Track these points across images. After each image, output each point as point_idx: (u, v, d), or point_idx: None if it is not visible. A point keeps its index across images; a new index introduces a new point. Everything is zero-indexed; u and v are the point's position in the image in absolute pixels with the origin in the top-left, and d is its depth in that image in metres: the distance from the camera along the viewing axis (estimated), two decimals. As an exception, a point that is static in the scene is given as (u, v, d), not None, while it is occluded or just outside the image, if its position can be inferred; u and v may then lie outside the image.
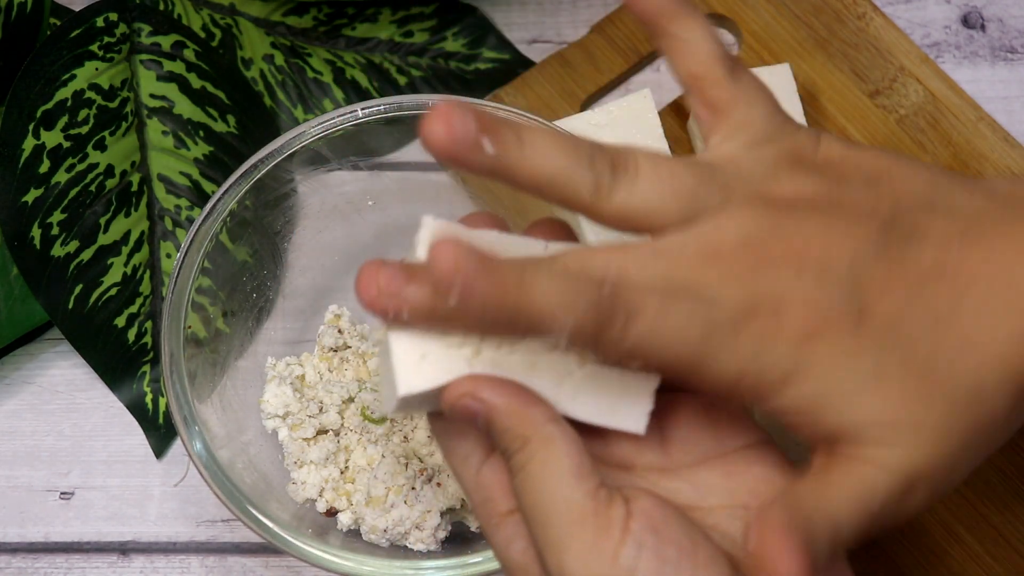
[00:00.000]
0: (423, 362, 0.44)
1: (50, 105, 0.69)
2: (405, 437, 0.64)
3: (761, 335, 0.42)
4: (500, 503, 0.46)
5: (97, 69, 0.70)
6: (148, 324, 0.70)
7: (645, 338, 0.41)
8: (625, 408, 0.44)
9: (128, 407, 0.69)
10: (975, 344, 0.42)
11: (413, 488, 0.61)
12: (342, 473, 0.63)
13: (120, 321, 0.69)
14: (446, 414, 0.44)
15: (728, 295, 0.42)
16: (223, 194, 0.62)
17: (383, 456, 0.63)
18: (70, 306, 0.68)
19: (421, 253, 0.43)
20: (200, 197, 0.71)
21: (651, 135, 0.67)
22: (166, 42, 0.72)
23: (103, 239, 0.69)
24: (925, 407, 0.42)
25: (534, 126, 0.45)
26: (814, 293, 0.42)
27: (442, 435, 0.47)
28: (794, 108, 0.69)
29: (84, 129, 0.69)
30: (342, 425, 0.64)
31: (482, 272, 0.40)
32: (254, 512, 0.58)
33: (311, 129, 0.63)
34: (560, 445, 0.43)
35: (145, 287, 0.70)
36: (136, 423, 0.69)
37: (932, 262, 0.43)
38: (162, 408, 0.69)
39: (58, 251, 0.68)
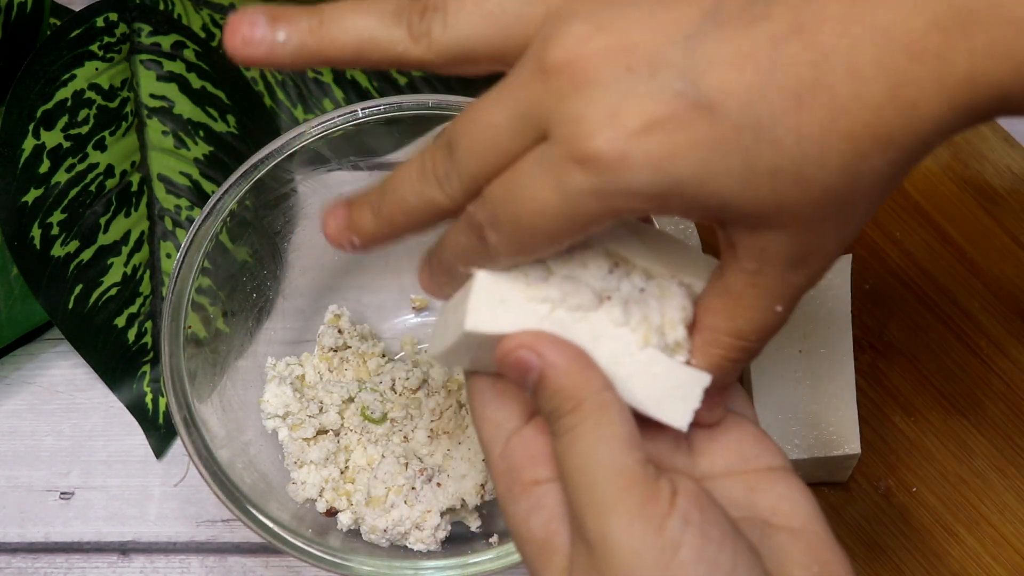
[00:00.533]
0: (500, 305, 0.43)
1: (50, 105, 0.69)
2: (405, 437, 0.64)
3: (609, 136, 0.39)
4: (526, 472, 0.44)
5: (97, 69, 0.70)
6: (148, 324, 0.70)
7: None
8: (673, 402, 0.44)
9: (128, 407, 0.69)
10: (846, 113, 0.39)
11: (413, 488, 0.61)
12: (342, 473, 0.63)
13: (120, 321, 0.69)
14: (499, 365, 0.43)
15: (561, 111, 0.40)
16: (223, 194, 0.62)
17: (383, 456, 0.63)
18: (70, 306, 0.68)
19: None
20: (200, 197, 0.71)
21: None
22: (166, 42, 0.72)
23: (103, 239, 0.69)
24: (800, 197, 0.39)
25: (336, 3, 0.44)
26: (650, 87, 0.39)
27: (478, 397, 0.46)
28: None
29: (84, 129, 0.69)
30: (342, 425, 0.64)
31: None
32: (254, 512, 0.58)
33: (311, 129, 0.63)
34: (614, 411, 0.43)
35: (145, 287, 0.70)
36: (136, 423, 0.69)
37: (786, 23, 0.39)
38: (162, 408, 0.69)
39: (58, 251, 0.68)
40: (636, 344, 0.44)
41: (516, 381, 0.44)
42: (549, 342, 0.43)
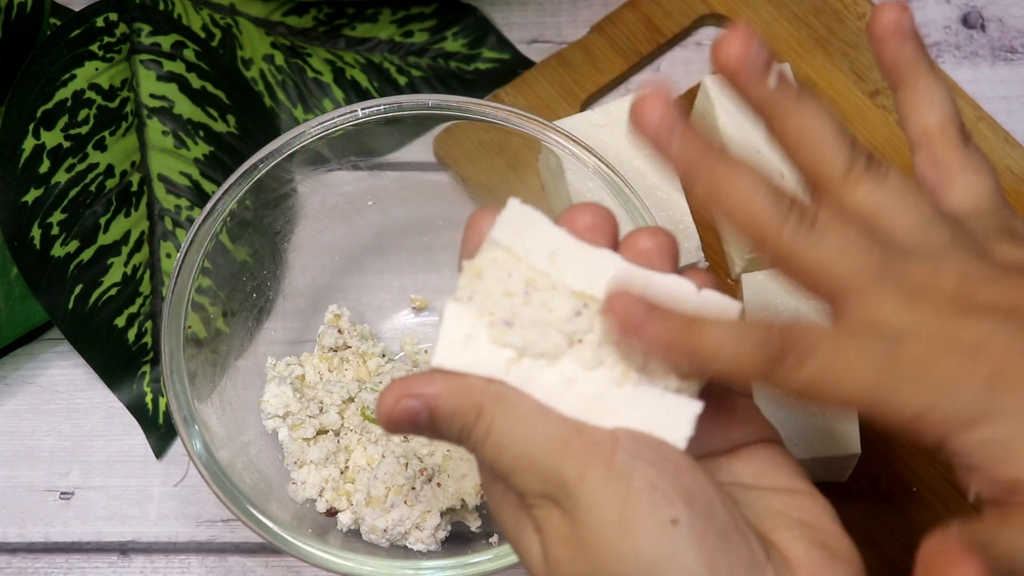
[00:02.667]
0: (467, 343, 0.43)
1: (50, 105, 0.69)
2: (405, 437, 0.64)
3: (955, 373, 0.42)
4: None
5: (97, 69, 0.70)
6: (148, 324, 0.70)
7: (819, 375, 0.42)
8: (662, 432, 0.43)
9: (128, 407, 0.69)
10: None
11: (413, 488, 0.61)
12: (342, 473, 0.63)
13: (120, 321, 0.69)
14: (388, 429, 0.44)
15: (928, 330, 0.42)
16: (223, 194, 0.62)
17: (383, 456, 0.63)
18: (70, 306, 0.68)
19: (496, 232, 0.44)
20: (200, 197, 0.71)
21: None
22: (166, 42, 0.72)
23: (103, 239, 0.69)
24: None
25: (806, 95, 0.46)
26: (1017, 341, 0.42)
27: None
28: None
29: (84, 129, 0.69)
30: (342, 425, 0.64)
31: (652, 320, 0.42)
32: (254, 512, 0.58)
33: (311, 129, 0.63)
34: (512, 394, 0.43)
35: (145, 287, 0.70)
36: (136, 423, 0.69)
37: None
38: (162, 408, 0.69)
39: (58, 251, 0.68)
40: (613, 383, 0.43)
41: (413, 432, 0.44)
42: (416, 380, 0.43)
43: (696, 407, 0.43)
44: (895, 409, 0.42)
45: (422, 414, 0.43)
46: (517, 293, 0.44)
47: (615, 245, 0.46)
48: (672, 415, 0.43)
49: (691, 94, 0.73)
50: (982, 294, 0.43)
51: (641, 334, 0.42)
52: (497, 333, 0.43)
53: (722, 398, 0.46)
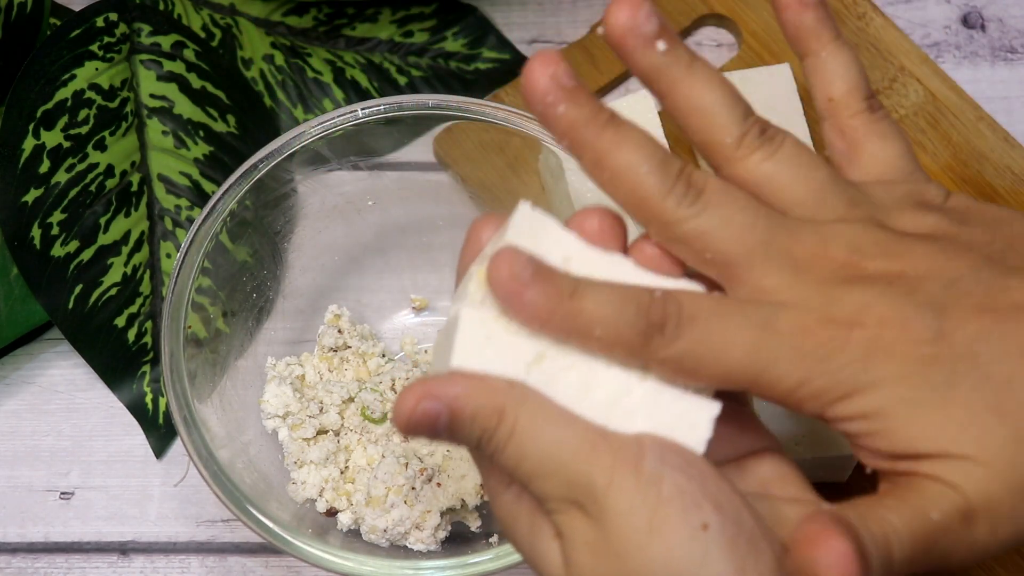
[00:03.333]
0: (486, 344, 0.42)
1: (50, 105, 0.69)
2: (405, 437, 0.64)
3: (831, 344, 0.41)
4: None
5: (97, 69, 0.70)
6: (148, 324, 0.70)
7: (696, 346, 0.41)
8: (682, 434, 0.43)
9: (128, 407, 0.69)
10: None
11: (413, 488, 0.61)
12: (342, 473, 0.63)
13: (120, 321, 0.69)
14: (405, 431, 0.42)
15: (808, 301, 0.42)
16: (223, 194, 0.62)
17: (383, 456, 0.63)
18: (70, 306, 0.68)
19: (511, 235, 0.43)
20: (200, 197, 0.71)
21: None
22: (166, 42, 0.72)
23: (103, 239, 0.69)
24: (993, 435, 0.41)
25: (699, 63, 0.45)
26: (895, 310, 0.42)
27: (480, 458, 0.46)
28: (794, 108, 0.69)
29: (84, 129, 0.69)
30: (342, 425, 0.64)
31: (533, 282, 0.41)
32: (254, 512, 0.58)
33: (311, 129, 0.63)
34: (535, 397, 0.42)
35: (145, 287, 0.70)
36: (136, 423, 0.69)
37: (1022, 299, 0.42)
38: (162, 408, 0.69)
39: (58, 251, 0.68)
40: (636, 380, 0.43)
41: (430, 436, 0.42)
42: (438, 382, 0.42)
43: (714, 408, 0.43)
44: (771, 382, 0.42)
45: (442, 417, 0.42)
46: None
47: (624, 249, 0.45)
48: (691, 417, 0.43)
49: (691, 94, 0.73)
50: (870, 264, 0.43)
51: (520, 301, 0.41)
52: (518, 333, 0.42)
53: (725, 406, 0.46)
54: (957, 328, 0.42)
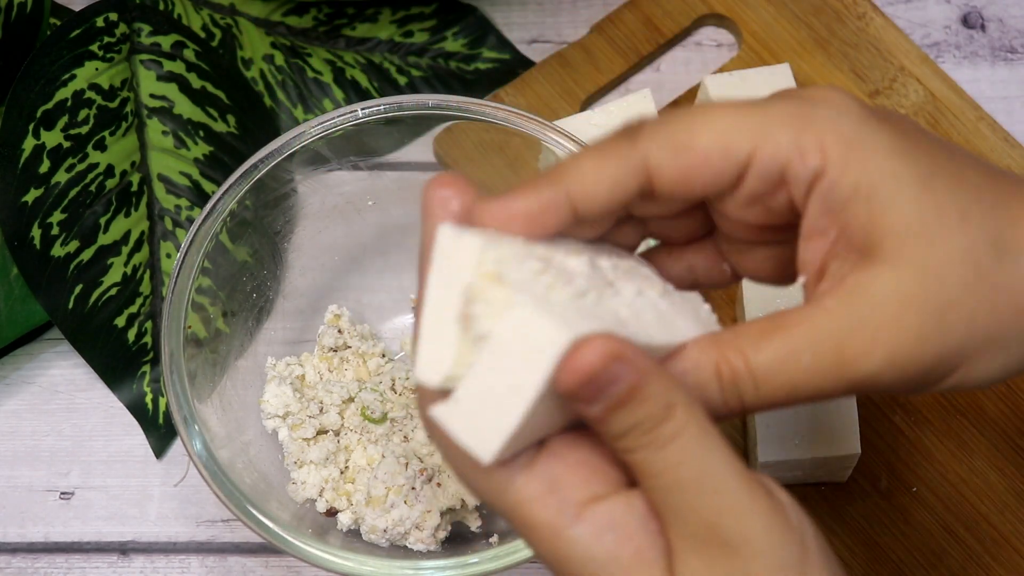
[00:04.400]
0: (565, 312, 0.39)
1: (50, 105, 0.69)
2: (405, 437, 0.64)
3: (806, 116, 0.42)
4: (577, 491, 0.41)
5: (97, 69, 0.70)
6: (148, 324, 0.70)
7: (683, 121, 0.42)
8: (701, 318, 0.45)
9: (128, 407, 0.69)
10: None
11: (413, 488, 0.61)
12: (342, 473, 0.63)
13: (120, 321, 0.69)
14: (570, 384, 0.38)
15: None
16: (223, 194, 0.62)
17: (383, 456, 0.63)
18: (70, 306, 0.68)
19: (437, 264, 0.41)
20: (200, 197, 0.71)
21: None
22: (166, 42, 0.72)
23: (103, 239, 0.69)
24: (948, 238, 0.40)
25: None
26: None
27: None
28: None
29: (84, 129, 0.69)
30: (342, 425, 0.64)
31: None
32: (254, 512, 0.58)
33: (311, 129, 0.63)
34: (702, 411, 0.40)
35: (145, 287, 0.70)
36: (136, 423, 0.69)
37: None
38: (162, 408, 0.69)
39: (58, 251, 0.68)
40: (657, 295, 0.44)
41: (588, 399, 0.38)
42: (630, 347, 0.38)
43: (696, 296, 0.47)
44: (769, 151, 0.41)
45: (621, 386, 0.38)
46: (543, 267, 0.40)
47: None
48: (693, 306, 0.46)
49: (691, 94, 0.73)
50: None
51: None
52: (570, 289, 0.40)
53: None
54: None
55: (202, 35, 0.74)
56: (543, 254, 0.41)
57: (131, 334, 0.69)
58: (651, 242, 0.48)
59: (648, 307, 0.43)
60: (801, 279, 0.43)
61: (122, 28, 0.71)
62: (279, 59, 0.75)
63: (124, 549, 0.67)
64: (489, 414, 0.38)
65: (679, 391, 0.40)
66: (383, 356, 0.67)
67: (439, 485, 0.61)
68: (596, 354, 0.38)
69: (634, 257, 0.47)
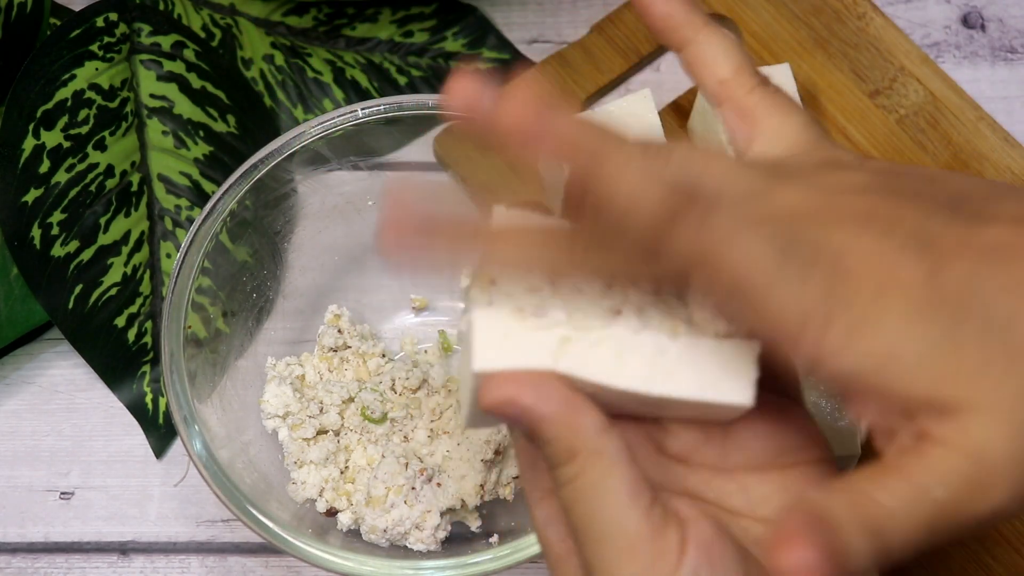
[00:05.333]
0: (505, 340, 0.41)
1: (50, 105, 0.69)
2: (405, 437, 0.64)
3: (829, 282, 0.38)
4: (545, 479, 0.43)
5: (97, 69, 0.70)
6: (148, 324, 0.70)
7: (719, 242, 0.39)
8: (728, 380, 0.41)
9: (128, 407, 0.69)
10: None
11: (413, 488, 0.61)
12: (342, 473, 0.63)
13: (120, 321, 0.69)
14: (484, 407, 0.41)
15: (804, 236, 0.39)
16: (223, 194, 0.62)
17: (383, 456, 0.63)
18: (70, 306, 0.68)
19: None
20: (200, 197, 0.71)
21: (651, 135, 0.67)
22: (166, 42, 0.72)
23: (103, 239, 0.69)
24: (1008, 377, 0.37)
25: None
26: (880, 246, 0.38)
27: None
28: (794, 108, 0.69)
29: (84, 129, 0.69)
30: (342, 425, 0.64)
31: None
32: (254, 512, 0.58)
33: (311, 129, 0.63)
34: (611, 460, 0.41)
35: (145, 287, 0.70)
36: (136, 423, 0.69)
37: (1003, 239, 0.39)
38: (162, 408, 0.69)
39: (58, 251, 0.68)
40: (667, 338, 0.42)
41: (509, 423, 0.43)
42: (531, 388, 0.41)
43: (755, 348, 0.41)
44: (776, 311, 0.38)
45: (522, 424, 0.41)
46: (542, 287, 0.42)
47: None
48: (734, 361, 0.42)
49: (691, 94, 0.73)
50: (828, 210, 0.39)
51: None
52: (537, 319, 0.42)
53: (773, 404, 0.44)
54: (947, 265, 0.38)
55: (202, 35, 0.74)
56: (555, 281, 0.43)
57: (131, 334, 0.69)
58: None
59: (647, 353, 0.42)
60: (863, 423, 0.40)
61: (122, 28, 0.71)
62: (279, 59, 0.75)
63: (124, 549, 0.67)
64: (464, 394, 0.44)
65: (587, 440, 0.41)
66: (383, 356, 0.67)
67: (439, 485, 0.61)
68: (492, 396, 0.41)
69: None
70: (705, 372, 0.42)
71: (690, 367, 0.42)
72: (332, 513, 0.62)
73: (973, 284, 0.38)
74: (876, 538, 0.38)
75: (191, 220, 0.70)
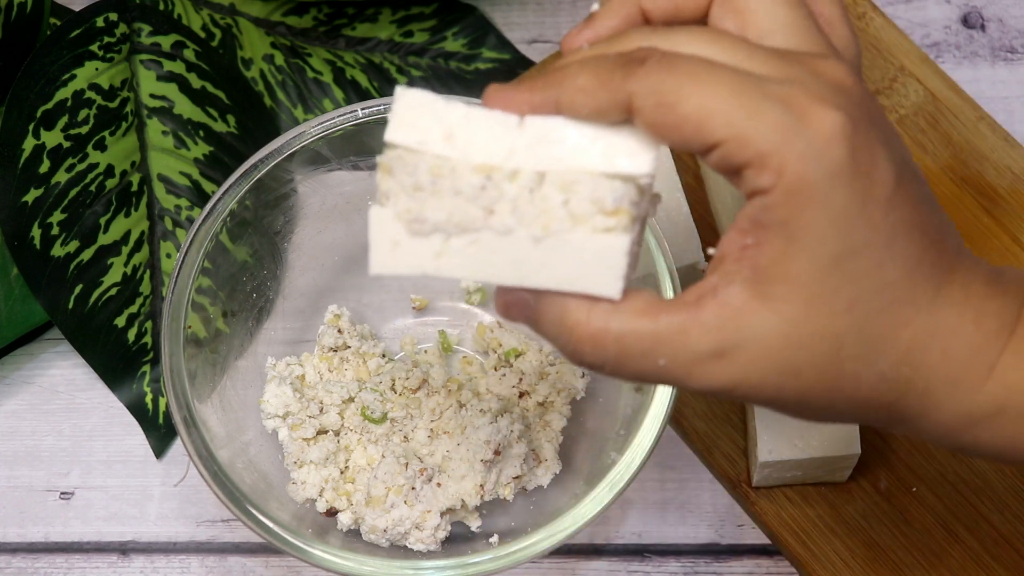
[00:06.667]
0: (395, 247, 0.46)
1: (50, 105, 0.69)
2: (405, 437, 0.64)
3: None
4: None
5: (97, 69, 0.70)
6: (148, 324, 0.70)
7: (678, 76, 0.42)
8: (598, 272, 0.44)
9: (128, 407, 0.69)
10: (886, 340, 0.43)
11: (413, 488, 0.61)
12: (342, 473, 0.63)
13: (120, 321, 0.69)
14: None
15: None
16: (223, 194, 0.62)
17: (383, 456, 0.63)
18: (70, 306, 0.68)
19: (390, 135, 0.45)
20: (200, 197, 0.71)
21: None
22: (166, 42, 0.72)
23: (103, 239, 0.69)
24: (844, 309, 0.42)
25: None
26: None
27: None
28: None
29: (84, 129, 0.69)
30: (342, 425, 0.64)
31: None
32: (254, 512, 0.58)
33: (311, 129, 0.63)
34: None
35: (145, 287, 0.70)
36: (136, 423, 0.69)
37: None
38: (162, 408, 0.69)
39: (58, 251, 0.68)
40: (536, 237, 0.43)
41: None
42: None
43: (623, 242, 0.43)
44: (735, 147, 0.41)
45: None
46: (424, 186, 0.44)
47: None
48: (603, 256, 0.43)
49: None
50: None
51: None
52: (415, 230, 0.45)
53: None
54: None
55: (202, 35, 0.74)
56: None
57: (131, 334, 0.69)
58: None
59: (520, 248, 0.44)
60: (711, 251, 0.44)
61: (122, 28, 0.71)
62: (279, 59, 0.75)
63: (124, 549, 0.67)
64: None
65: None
66: (383, 356, 0.67)
67: (439, 485, 0.61)
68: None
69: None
70: (574, 266, 0.43)
71: (560, 261, 0.44)
72: (332, 513, 0.62)
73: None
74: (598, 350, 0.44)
75: (191, 220, 0.70)
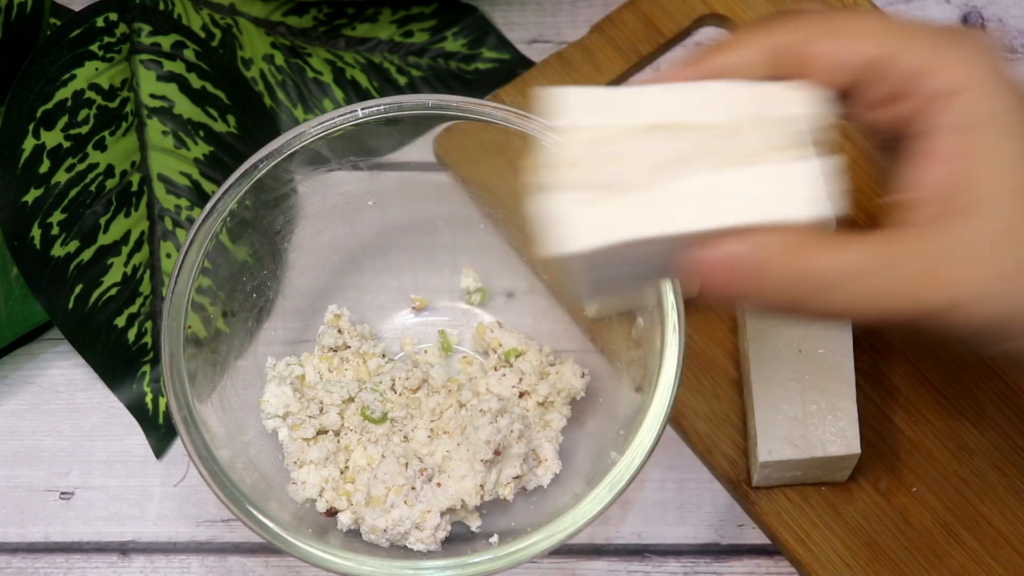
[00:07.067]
0: (584, 223, 0.44)
1: (50, 105, 0.69)
2: (405, 437, 0.64)
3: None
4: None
5: (97, 69, 0.70)
6: (148, 324, 0.70)
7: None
8: (801, 195, 0.43)
9: (128, 407, 0.69)
10: None
11: (413, 488, 0.61)
12: (342, 473, 0.63)
13: (120, 321, 0.69)
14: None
15: None
16: (223, 194, 0.62)
17: (383, 456, 0.63)
18: (70, 306, 0.68)
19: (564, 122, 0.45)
20: (200, 197, 0.71)
21: None
22: (166, 42, 0.72)
23: (103, 239, 0.69)
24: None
25: None
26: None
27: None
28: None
29: (84, 129, 0.69)
30: (342, 425, 0.64)
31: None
32: (254, 512, 0.58)
33: (311, 129, 0.63)
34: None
35: (145, 287, 0.70)
36: (136, 423, 0.69)
37: None
38: (162, 408, 0.69)
39: (58, 251, 0.68)
40: (724, 172, 0.43)
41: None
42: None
43: (818, 164, 0.44)
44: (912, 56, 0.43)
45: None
46: (597, 157, 0.44)
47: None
48: (805, 178, 0.43)
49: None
50: None
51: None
52: (594, 199, 0.43)
53: None
54: None
55: (202, 35, 0.74)
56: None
57: (131, 334, 0.69)
58: None
59: (709, 191, 0.43)
60: (889, 198, 0.44)
61: (122, 28, 0.71)
62: (279, 59, 0.75)
63: (124, 549, 0.67)
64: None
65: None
66: (383, 356, 0.67)
67: (439, 485, 0.61)
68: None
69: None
70: (776, 193, 0.43)
71: (758, 192, 0.43)
72: (332, 513, 0.62)
73: None
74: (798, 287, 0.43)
75: (191, 220, 0.70)
